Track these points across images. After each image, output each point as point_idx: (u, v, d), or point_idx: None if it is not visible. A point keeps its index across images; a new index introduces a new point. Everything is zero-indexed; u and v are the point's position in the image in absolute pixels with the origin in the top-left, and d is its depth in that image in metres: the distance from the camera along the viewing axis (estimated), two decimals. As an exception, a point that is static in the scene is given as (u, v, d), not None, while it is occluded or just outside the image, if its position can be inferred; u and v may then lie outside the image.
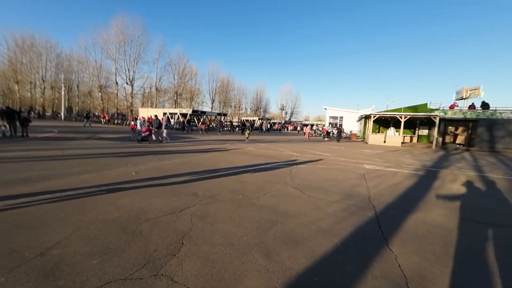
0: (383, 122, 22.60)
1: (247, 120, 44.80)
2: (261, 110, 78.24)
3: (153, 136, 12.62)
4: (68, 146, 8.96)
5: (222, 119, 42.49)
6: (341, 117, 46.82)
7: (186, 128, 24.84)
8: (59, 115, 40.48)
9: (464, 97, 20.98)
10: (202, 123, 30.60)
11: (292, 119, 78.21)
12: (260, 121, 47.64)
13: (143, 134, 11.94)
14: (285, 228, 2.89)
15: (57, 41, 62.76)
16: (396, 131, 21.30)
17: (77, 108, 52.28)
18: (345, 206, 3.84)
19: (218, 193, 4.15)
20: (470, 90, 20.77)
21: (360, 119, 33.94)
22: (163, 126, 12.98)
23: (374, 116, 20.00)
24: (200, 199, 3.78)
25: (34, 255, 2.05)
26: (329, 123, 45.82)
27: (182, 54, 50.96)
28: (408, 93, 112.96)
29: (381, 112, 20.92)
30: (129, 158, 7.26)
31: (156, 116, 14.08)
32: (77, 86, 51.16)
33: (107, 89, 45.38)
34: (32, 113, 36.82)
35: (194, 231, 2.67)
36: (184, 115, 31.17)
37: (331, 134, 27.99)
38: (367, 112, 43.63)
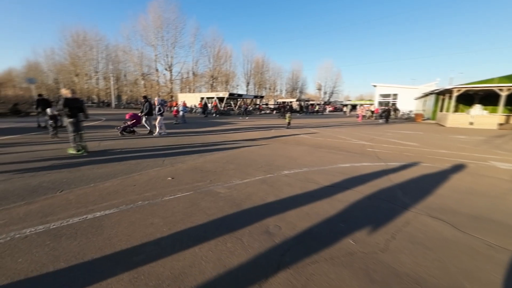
0: (463, 99, 17.52)
1: (284, 102, 41.89)
2: (297, 91, 73.27)
3: (146, 125, 9.39)
4: (106, 136, 8.28)
5: (258, 102, 40.63)
6: (395, 95, 40.12)
7: (206, 112, 23.64)
8: (110, 104, 44.08)
9: None
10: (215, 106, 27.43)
11: (331, 100, 71.58)
12: (299, 102, 44.08)
13: (128, 123, 8.73)
14: None
15: (104, 33, 67.83)
16: (484, 109, 16.38)
17: (126, 97, 56.51)
18: None
19: (305, 226, 2.34)
20: None
21: (423, 96, 28.00)
22: (156, 112, 9.19)
23: (458, 91, 15.36)
24: (280, 249, 2.01)
25: None
26: (379, 102, 39.83)
27: (216, 35, 49.44)
28: (476, 64, 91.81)
29: (470, 84, 15.93)
30: (166, 152, 5.99)
31: (145, 97, 9.62)
32: (125, 76, 54.84)
33: (149, 77, 47.21)
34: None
35: None
36: (221, 99, 30.22)
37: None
38: (429, 87, 36.37)
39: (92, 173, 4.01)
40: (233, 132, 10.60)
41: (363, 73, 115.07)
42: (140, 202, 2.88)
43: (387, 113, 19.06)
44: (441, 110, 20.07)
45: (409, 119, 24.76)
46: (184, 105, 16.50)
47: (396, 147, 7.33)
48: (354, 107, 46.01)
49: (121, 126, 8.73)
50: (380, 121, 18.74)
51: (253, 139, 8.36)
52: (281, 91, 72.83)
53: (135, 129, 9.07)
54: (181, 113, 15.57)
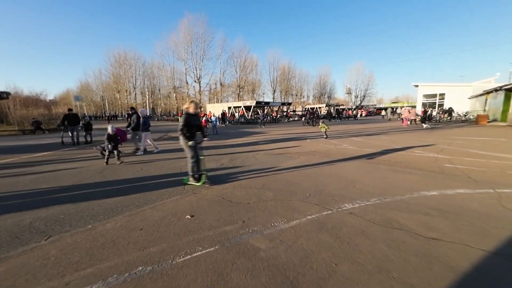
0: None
1: (312, 108, 39.86)
2: (325, 95, 69.98)
3: (135, 143, 7.80)
4: (127, 153, 7.88)
5: (285, 109, 39.38)
6: (442, 95, 35.46)
7: (225, 121, 24.63)
8: (146, 116, 47.01)
9: None
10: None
11: (364, 103, 66.50)
12: (330, 108, 41.43)
13: (107, 143, 6.01)
14: None
15: (142, 52, 74.44)
16: None
17: (160, 109, 60.10)
18: None
19: None
20: None
21: (483, 94, 23.65)
22: (141, 127, 7.38)
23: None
24: None
25: None
26: (422, 103, 35.37)
27: (242, 46, 50.24)
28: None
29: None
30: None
31: (133, 108, 8.15)
32: (159, 90, 58.67)
33: (180, 90, 49.54)
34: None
35: None
36: (248, 108, 29.77)
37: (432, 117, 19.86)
38: (487, 83, 31.25)
39: (98, 206, 3.22)
40: (264, 143, 9.52)
41: (397, 73, 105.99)
42: (140, 268, 1.87)
43: (427, 115, 16.12)
44: (514, 110, 16.36)
45: (467, 121, 20.96)
46: (210, 116, 16.24)
47: (487, 161, 5.39)
48: (393, 110, 41.77)
49: (101, 145, 6.35)
50: (424, 126, 15.78)
51: (289, 153, 7.14)
52: (308, 97, 70.46)
53: (120, 147, 7.00)
54: (211, 124, 15.18)
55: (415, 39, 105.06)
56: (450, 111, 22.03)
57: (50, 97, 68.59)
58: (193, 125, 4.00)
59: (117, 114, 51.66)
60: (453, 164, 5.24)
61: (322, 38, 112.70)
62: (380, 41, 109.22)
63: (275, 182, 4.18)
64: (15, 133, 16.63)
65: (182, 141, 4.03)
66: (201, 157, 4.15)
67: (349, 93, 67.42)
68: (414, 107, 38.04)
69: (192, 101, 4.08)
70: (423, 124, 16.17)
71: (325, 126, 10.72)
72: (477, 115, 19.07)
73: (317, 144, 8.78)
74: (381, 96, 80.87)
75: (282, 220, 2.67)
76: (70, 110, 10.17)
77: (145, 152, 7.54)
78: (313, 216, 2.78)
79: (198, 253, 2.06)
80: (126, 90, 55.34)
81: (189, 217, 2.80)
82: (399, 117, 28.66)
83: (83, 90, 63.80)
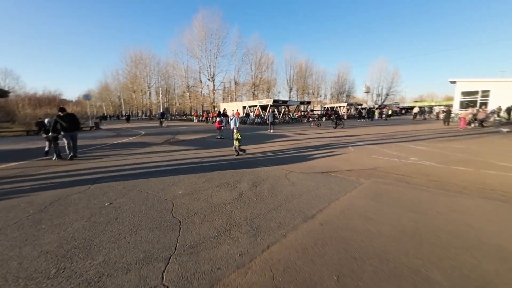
0: None
1: (332, 108, 36.64)
2: (344, 94, 65.69)
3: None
4: (124, 162, 5.98)
5: (306, 108, 36.66)
6: (485, 92, 31.01)
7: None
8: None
9: None
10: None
11: (386, 102, 61.44)
12: (364, 108, 37.98)
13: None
14: None
15: (157, 51, 74.51)
16: None
17: (175, 109, 59.33)
18: None
19: None
20: None
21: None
22: (51, 128, 6.16)
23: None
24: None
25: None
26: (460, 101, 31.10)
27: (258, 42, 47.91)
28: None
29: None
30: (187, 209, 3.00)
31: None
32: (174, 89, 58.08)
33: (194, 89, 48.34)
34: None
35: None
36: (264, 107, 27.53)
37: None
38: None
39: None
40: (293, 153, 7.23)
41: (420, 71, 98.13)
42: None
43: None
44: None
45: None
46: (224, 114, 12.72)
47: None
48: (431, 109, 37.48)
49: None
50: (504, 130, 12.68)
51: (337, 171, 4.81)
52: (325, 95, 66.61)
53: None
54: (232, 125, 11.08)
55: (442, 31, 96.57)
56: (510, 110, 18.34)
57: (75, 97, 70.60)
58: None
59: (131, 113, 51.63)
60: None
61: (341, 34, 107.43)
62: (402, 35, 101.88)
63: (356, 260, 1.92)
64: (20, 134, 15.76)
65: None
66: None
67: (368, 91, 62.69)
68: (450, 105, 33.81)
69: None
70: (501, 128, 13.11)
71: (238, 135, 6.91)
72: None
73: (369, 155, 6.33)
74: (403, 95, 74.57)
75: None
76: (62, 109, 6.89)
77: None
78: None
79: None
80: (142, 90, 55.36)
81: None
82: (437, 117, 25.04)
83: (103, 90, 64.99)
